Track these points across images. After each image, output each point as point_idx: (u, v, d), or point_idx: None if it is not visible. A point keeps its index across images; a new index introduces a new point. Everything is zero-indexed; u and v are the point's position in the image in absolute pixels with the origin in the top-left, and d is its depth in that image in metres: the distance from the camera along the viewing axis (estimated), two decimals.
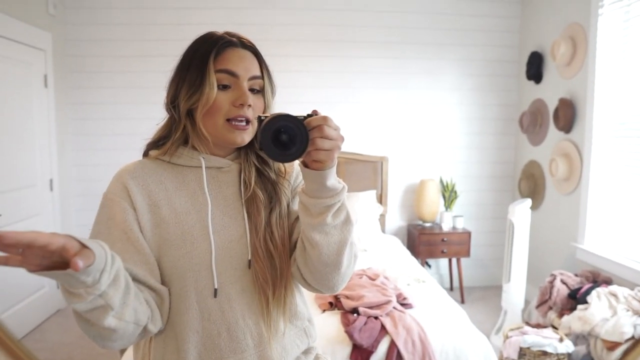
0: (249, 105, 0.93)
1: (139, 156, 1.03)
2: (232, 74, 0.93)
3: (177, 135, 0.97)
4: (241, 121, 0.93)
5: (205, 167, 0.99)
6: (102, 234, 0.92)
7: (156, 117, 1.05)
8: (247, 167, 1.00)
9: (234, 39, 0.96)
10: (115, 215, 0.92)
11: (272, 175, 1.02)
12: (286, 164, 1.06)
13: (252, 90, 0.95)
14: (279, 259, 0.97)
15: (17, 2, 3.07)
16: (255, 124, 0.95)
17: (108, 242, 0.91)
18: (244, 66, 0.94)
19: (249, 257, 0.96)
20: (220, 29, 1.03)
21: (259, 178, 1.01)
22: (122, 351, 1.87)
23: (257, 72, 0.96)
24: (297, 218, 1.01)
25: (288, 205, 1.03)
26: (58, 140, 3.56)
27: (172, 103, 0.97)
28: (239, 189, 1.00)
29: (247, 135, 0.95)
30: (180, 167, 0.99)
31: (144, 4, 3.72)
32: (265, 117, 0.80)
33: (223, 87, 0.93)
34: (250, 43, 0.98)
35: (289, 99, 3.76)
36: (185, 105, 0.94)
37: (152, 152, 1.00)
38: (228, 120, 0.93)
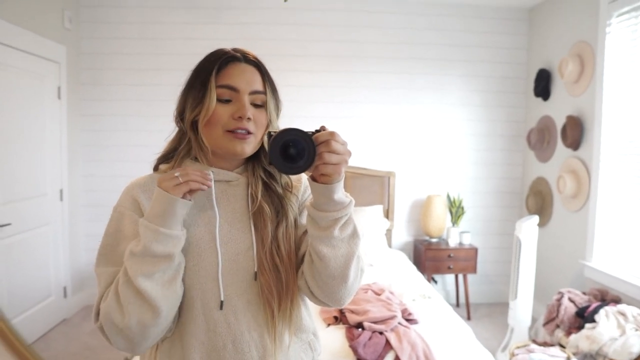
0: (249, 118, 0.94)
1: (149, 168, 1.05)
2: (232, 88, 0.95)
3: (182, 146, 1.00)
4: (242, 131, 0.95)
5: (215, 181, 1.00)
6: (110, 245, 0.94)
7: (167, 129, 1.07)
8: (254, 181, 1.02)
9: (238, 54, 0.98)
10: (125, 227, 0.95)
11: (279, 190, 1.04)
12: (294, 179, 1.08)
13: (254, 104, 0.97)
14: (285, 272, 0.98)
15: (34, 16, 3.15)
16: (258, 136, 0.97)
17: (116, 255, 0.94)
18: (245, 80, 0.96)
19: (255, 270, 0.97)
20: (231, 44, 1.06)
21: (266, 192, 1.02)
22: None
23: (259, 87, 0.97)
24: (305, 232, 1.02)
25: (295, 220, 1.04)
26: (69, 150, 3.61)
27: (180, 116, 1.00)
28: (247, 202, 1.02)
29: (247, 145, 0.96)
30: None
31: (156, 18, 3.79)
32: (275, 132, 0.83)
33: (225, 102, 0.95)
34: (255, 58, 1.00)
35: (297, 113, 3.81)
36: (190, 117, 0.97)
37: (162, 167, 1.03)
38: (228, 131, 0.95)
